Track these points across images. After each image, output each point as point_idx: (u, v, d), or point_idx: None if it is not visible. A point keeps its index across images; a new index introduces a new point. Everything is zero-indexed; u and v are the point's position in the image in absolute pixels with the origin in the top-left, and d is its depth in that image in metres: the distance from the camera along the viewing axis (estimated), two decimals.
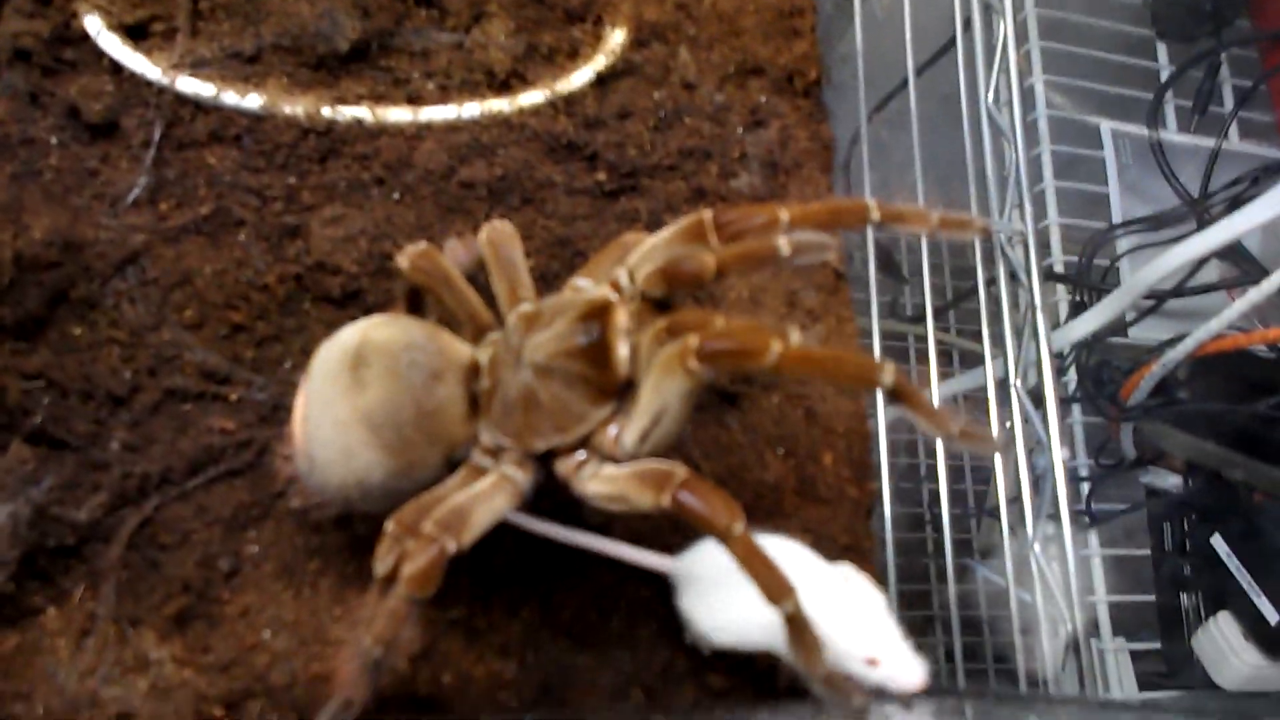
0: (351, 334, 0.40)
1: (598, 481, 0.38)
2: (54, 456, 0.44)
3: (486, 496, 0.38)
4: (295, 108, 0.50)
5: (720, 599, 0.42)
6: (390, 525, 0.37)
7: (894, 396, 0.35)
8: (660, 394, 0.37)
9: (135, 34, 0.51)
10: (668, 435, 0.38)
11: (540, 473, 0.40)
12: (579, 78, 0.54)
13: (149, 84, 0.50)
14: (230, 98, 0.50)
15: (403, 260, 0.43)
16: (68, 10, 0.50)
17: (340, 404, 0.38)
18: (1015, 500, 0.60)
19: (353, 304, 0.49)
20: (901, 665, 0.40)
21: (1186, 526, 0.75)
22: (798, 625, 0.35)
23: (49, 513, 0.42)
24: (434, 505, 0.37)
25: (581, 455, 0.39)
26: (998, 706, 0.46)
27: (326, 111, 0.50)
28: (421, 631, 0.44)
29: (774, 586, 0.34)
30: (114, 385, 0.46)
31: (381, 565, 0.36)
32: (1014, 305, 0.64)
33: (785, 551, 0.42)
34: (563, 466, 0.39)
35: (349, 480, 0.39)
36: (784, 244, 0.37)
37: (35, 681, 0.41)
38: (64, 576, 0.43)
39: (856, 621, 0.40)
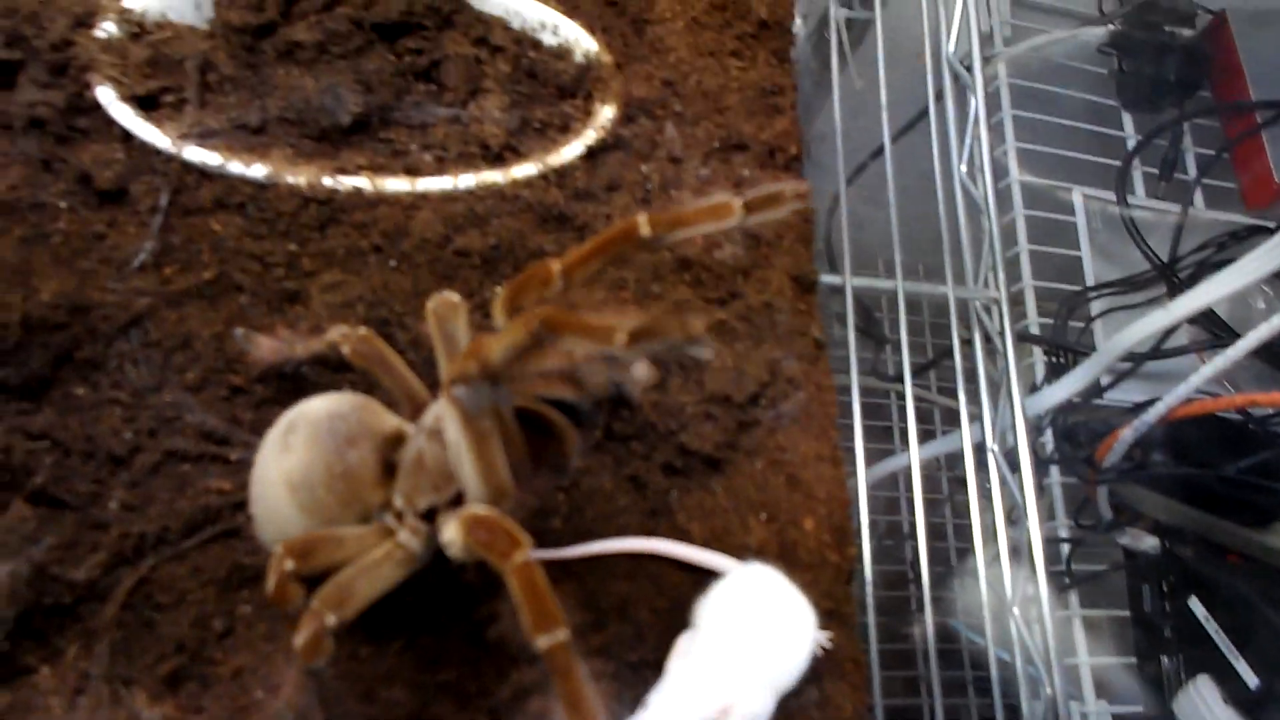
0: (297, 406, 0.44)
1: (445, 531, 0.40)
2: (54, 516, 0.45)
3: (374, 568, 0.40)
4: (298, 177, 0.52)
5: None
6: (313, 601, 0.39)
7: (549, 332, 0.34)
8: (449, 430, 0.39)
9: (146, 104, 0.53)
10: (475, 471, 0.39)
11: (432, 536, 0.41)
12: (570, 151, 0.56)
13: (158, 152, 0.52)
14: (236, 167, 0.52)
15: (343, 345, 0.46)
16: (81, 81, 0.52)
17: (270, 465, 0.42)
18: (995, 561, 0.61)
19: (349, 369, 0.50)
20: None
21: (1165, 588, 0.76)
22: (558, 663, 0.34)
23: (48, 572, 0.42)
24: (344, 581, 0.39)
25: (455, 511, 0.41)
26: None
27: (328, 181, 0.52)
28: (410, 695, 0.45)
29: (541, 619, 0.34)
30: (115, 445, 0.47)
31: (298, 638, 0.38)
32: (991, 368, 0.67)
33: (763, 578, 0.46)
34: (439, 523, 0.41)
35: (277, 537, 0.41)
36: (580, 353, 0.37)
37: None
38: (58, 635, 0.43)
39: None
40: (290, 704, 0.38)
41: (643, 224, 0.37)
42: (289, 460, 0.41)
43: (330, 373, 0.51)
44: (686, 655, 0.45)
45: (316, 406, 0.43)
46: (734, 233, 0.57)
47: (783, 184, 0.37)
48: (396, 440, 0.43)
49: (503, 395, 0.38)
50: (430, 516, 0.42)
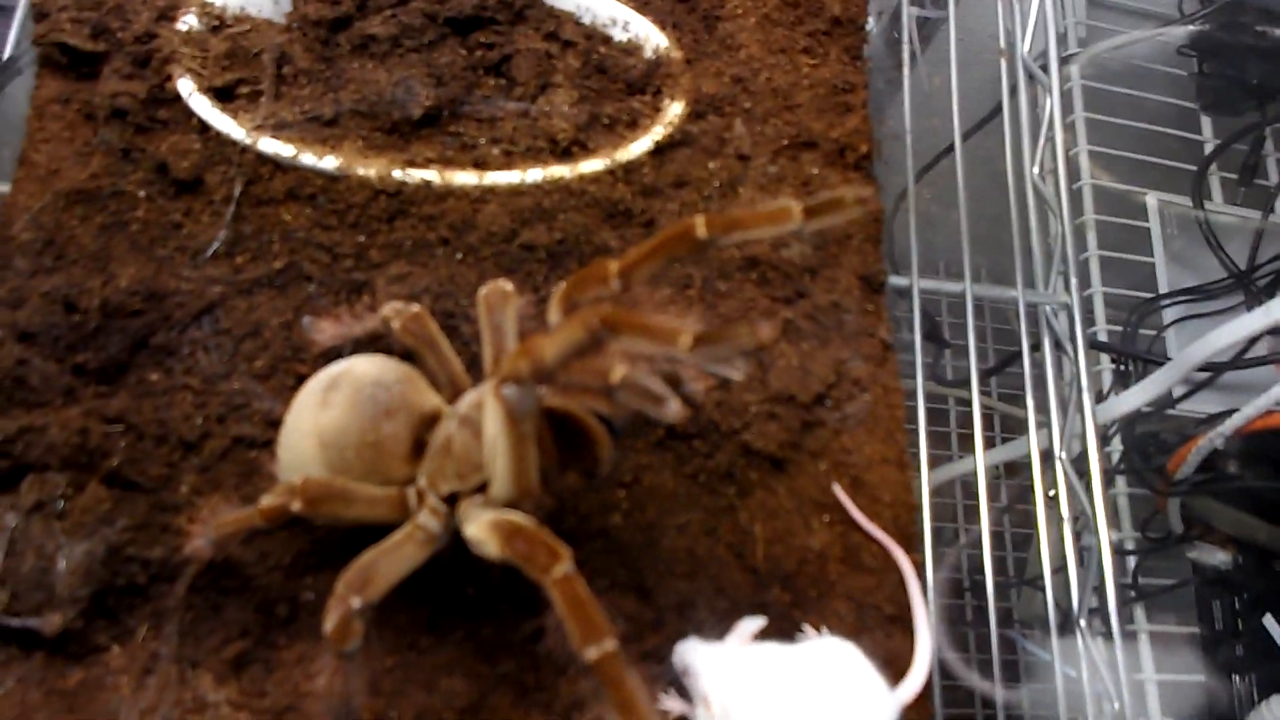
0: (343, 362, 0.44)
1: (470, 525, 0.40)
2: (128, 498, 0.45)
3: (395, 549, 0.41)
4: (368, 170, 0.52)
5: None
6: (337, 585, 0.39)
7: (610, 331, 0.33)
8: (489, 426, 0.39)
9: (223, 96, 0.53)
10: (509, 471, 0.39)
11: (453, 520, 0.42)
12: (638, 147, 0.56)
13: (233, 143, 0.52)
14: (308, 158, 0.52)
15: (394, 320, 0.46)
16: (163, 73, 0.53)
17: (306, 417, 0.43)
18: (1059, 571, 0.60)
19: (411, 360, 0.51)
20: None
21: (1237, 606, 0.74)
22: (608, 673, 0.34)
23: (122, 552, 0.43)
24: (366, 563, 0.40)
25: (478, 500, 0.41)
26: None
27: (397, 174, 0.53)
28: (469, 685, 0.45)
29: (588, 631, 0.34)
30: (186, 431, 0.48)
31: (327, 623, 0.38)
32: (1058, 374, 0.65)
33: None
34: (459, 510, 0.42)
35: None
36: (617, 373, 0.36)
37: (97, 717, 0.42)
38: (129, 616, 0.44)
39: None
40: (329, 690, 0.39)
41: (700, 226, 0.36)
42: (325, 416, 0.42)
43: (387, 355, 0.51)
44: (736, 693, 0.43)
45: (363, 369, 0.44)
46: (802, 231, 0.56)
47: (844, 190, 0.37)
48: (432, 420, 0.44)
49: (540, 395, 0.38)
50: (451, 500, 0.42)
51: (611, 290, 0.37)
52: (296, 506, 0.39)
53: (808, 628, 0.48)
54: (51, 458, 0.44)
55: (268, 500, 0.40)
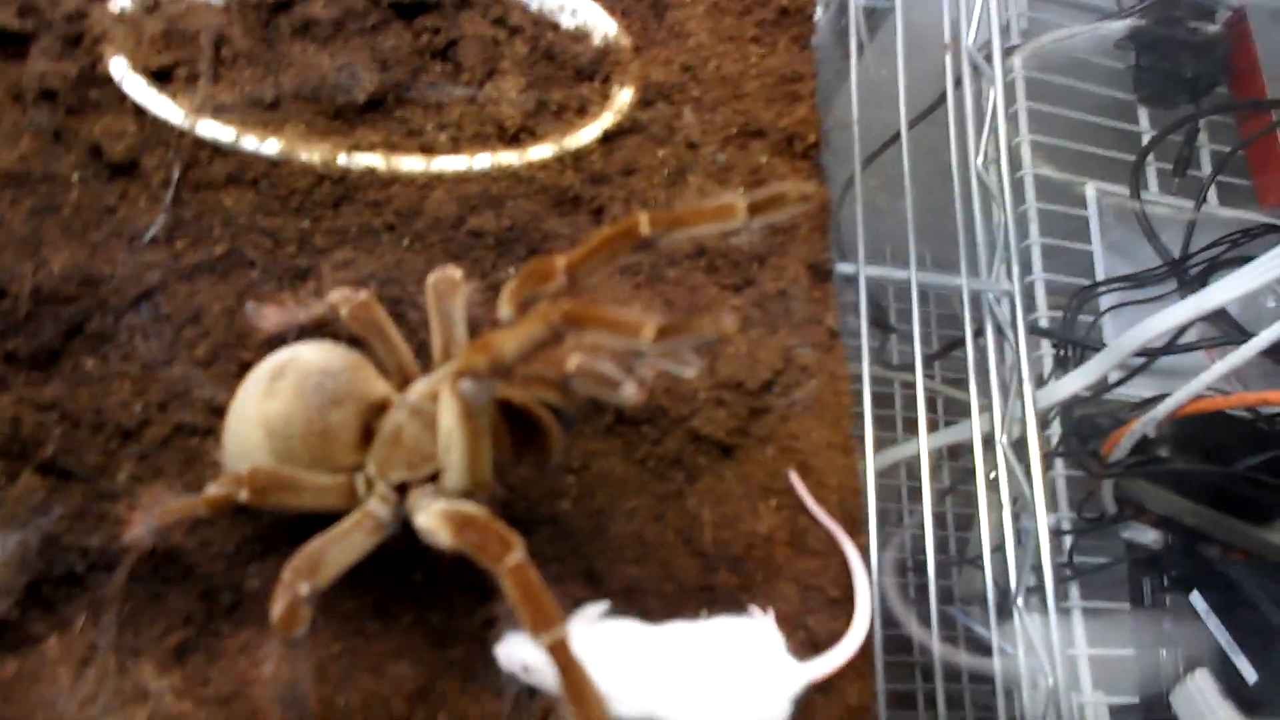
0: (288, 350, 0.44)
1: (422, 515, 0.40)
2: (63, 486, 0.45)
3: (344, 536, 0.41)
4: (311, 154, 0.52)
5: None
6: (284, 572, 0.39)
7: (569, 324, 0.33)
8: (444, 418, 0.40)
9: (159, 78, 0.52)
10: (462, 463, 0.40)
11: (402, 508, 0.42)
12: (587, 134, 0.56)
13: (170, 126, 0.51)
14: (249, 142, 0.51)
15: (342, 307, 0.46)
16: (95, 53, 0.52)
17: (251, 405, 0.42)
18: (998, 551, 0.61)
19: (359, 346, 0.50)
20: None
21: (1166, 582, 0.76)
22: (563, 661, 0.35)
23: (58, 542, 0.42)
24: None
25: (428, 490, 0.41)
26: None
27: (342, 159, 0.52)
28: (417, 671, 0.45)
29: (539, 618, 0.35)
30: (124, 418, 0.47)
31: (274, 609, 0.38)
32: (1000, 360, 0.66)
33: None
34: (409, 499, 0.42)
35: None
36: (572, 361, 0.37)
37: (35, 708, 0.41)
38: (66, 605, 0.44)
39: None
40: (276, 676, 0.39)
41: (644, 223, 0.37)
42: (271, 405, 0.42)
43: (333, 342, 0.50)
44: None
45: (310, 357, 0.43)
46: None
47: (787, 185, 0.37)
48: (381, 407, 0.43)
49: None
50: (401, 489, 0.42)
51: (558, 285, 0.38)
52: (244, 496, 0.39)
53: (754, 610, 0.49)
54: None
55: (214, 490, 0.40)
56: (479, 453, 0.39)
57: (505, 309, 0.39)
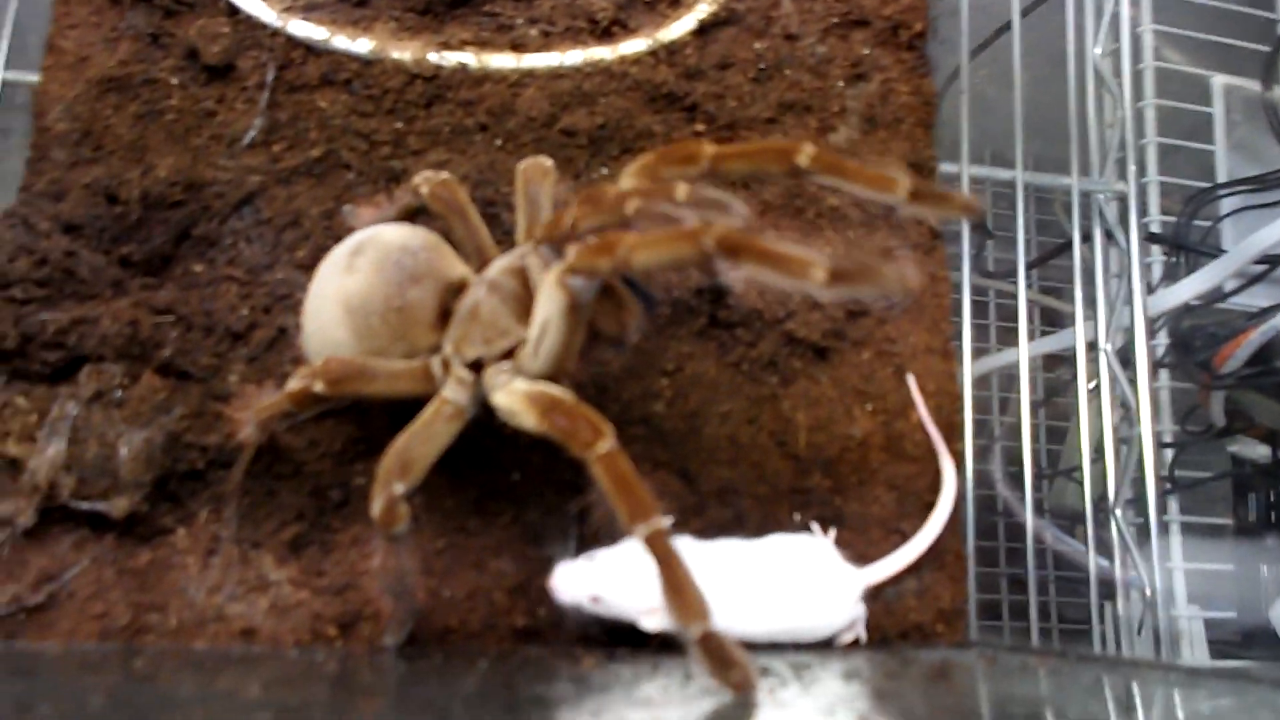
0: (369, 230, 0.44)
1: (502, 394, 0.40)
2: (181, 387, 0.46)
3: (426, 428, 0.40)
4: (403, 53, 0.51)
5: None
6: (378, 473, 0.39)
7: (725, 253, 0.31)
8: (544, 308, 0.39)
9: None
10: (553, 351, 0.39)
11: (480, 388, 0.41)
12: (680, 26, 0.54)
13: (263, 26, 0.51)
14: (340, 41, 0.51)
15: (423, 186, 0.45)
16: None
17: (331, 282, 0.42)
18: (1096, 461, 0.60)
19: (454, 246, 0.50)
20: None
21: (1272, 497, 0.74)
22: (661, 553, 0.33)
23: (181, 439, 0.44)
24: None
25: (505, 366, 0.41)
26: (1077, 666, 0.46)
27: (433, 57, 0.51)
28: (516, 566, 0.47)
29: (635, 508, 0.34)
30: (232, 321, 0.48)
31: (374, 510, 0.39)
32: (1105, 266, 0.63)
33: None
34: (485, 377, 0.41)
35: (323, 351, 0.42)
36: (681, 190, 0.36)
37: (168, 595, 0.44)
38: (191, 500, 0.46)
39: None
40: (384, 569, 0.40)
41: (804, 153, 0.35)
42: (351, 281, 0.42)
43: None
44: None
45: (389, 235, 0.43)
46: (849, 115, 0.54)
47: (958, 194, 0.37)
48: (459, 288, 0.43)
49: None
50: (476, 367, 0.41)
51: (699, 171, 0.37)
52: (319, 387, 0.39)
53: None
54: (106, 349, 0.45)
55: (293, 384, 0.40)
56: (572, 344, 0.39)
57: (630, 180, 0.38)
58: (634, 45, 0.53)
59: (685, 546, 0.44)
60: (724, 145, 0.36)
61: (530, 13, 0.53)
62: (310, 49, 0.51)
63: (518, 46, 0.52)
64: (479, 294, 0.42)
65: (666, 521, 0.34)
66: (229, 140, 0.50)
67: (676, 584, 0.33)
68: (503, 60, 0.52)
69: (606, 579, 0.42)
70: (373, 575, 0.41)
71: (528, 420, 0.38)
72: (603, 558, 0.42)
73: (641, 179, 0.37)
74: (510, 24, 0.53)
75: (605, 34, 0.53)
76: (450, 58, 0.51)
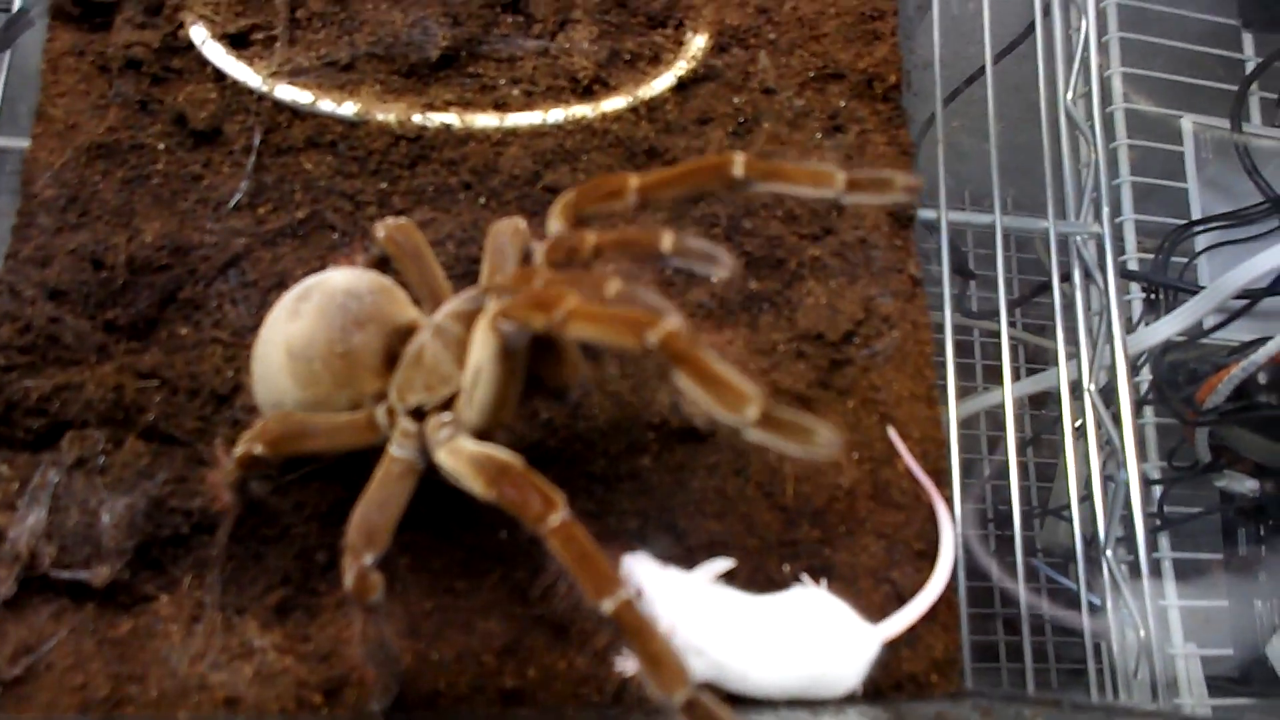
0: (319, 275, 0.43)
1: (446, 452, 0.38)
2: (165, 451, 0.46)
3: (381, 491, 0.39)
4: (387, 114, 0.52)
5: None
6: (344, 545, 0.38)
7: (665, 356, 0.30)
8: (476, 352, 0.38)
9: (237, 43, 0.53)
10: (488, 399, 0.38)
11: (424, 440, 0.40)
12: (661, 83, 0.55)
13: (250, 91, 0.52)
14: (326, 105, 0.52)
15: (380, 230, 0.45)
16: (175, 20, 0.52)
17: (276, 328, 0.42)
18: (1084, 500, 0.60)
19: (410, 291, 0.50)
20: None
21: (1262, 532, 0.74)
22: (631, 626, 0.32)
23: (165, 505, 0.44)
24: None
25: (446, 418, 0.39)
26: (1074, 717, 0.46)
27: (417, 118, 0.52)
28: (506, 627, 0.46)
29: (598, 583, 0.32)
30: (218, 384, 0.48)
31: (345, 582, 0.38)
32: (1087, 305, 0.64)
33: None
34: (427, 428, 0.40)
35: (269, 401, 0.41)
36: (667, 239, 0.36)
37: (149, 665, 0.43)
38: (174, 566, 0.45)
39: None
40: (363, 638, 0.39)
41: (738, 164, 0.35)
42: (294, 327, 0.41)
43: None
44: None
45: (335, 279, 0.42)
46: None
47: (895, 173, 0.36)
48: (408, 332, 0.42)
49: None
50: (420, 415, 0.40)
51: (627, 205, 0.36)
52: (259, 450, 0.39)
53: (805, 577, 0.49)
54: (89, 414, 0.45)
55: (238, 448, 0.40)
56: (507, 393, 0.38)
57: (557, 222, 0.38)
58: (615, 102, 0.54)
59: (715, 594, 0.45)
60: (650, 174, 0.36)
61: (513, 73, 0.54)
62: (296, 112, 0.52)
63: (500, 106, 0.53)
64: (424, 338, 0.41)
65: (632, 592, 0.33)
66: (215, 204, 0.51)
67: (653, 655, 0.32)
68: (486, 120, 0.52)
69: (659, 587, 0.43)
70: (353, 645, 0.40)
71: (474, 486, 0.37)
72: (671, 573, 0.44)
73: (566, 219, 0.37)
74: (493, 84, 0.53)
75: (586, 92, 0.54)
76: (434, 118, 0.52)
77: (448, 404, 0.40)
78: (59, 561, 0.42)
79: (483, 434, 0.39)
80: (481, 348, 0.37)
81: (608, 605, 0.32)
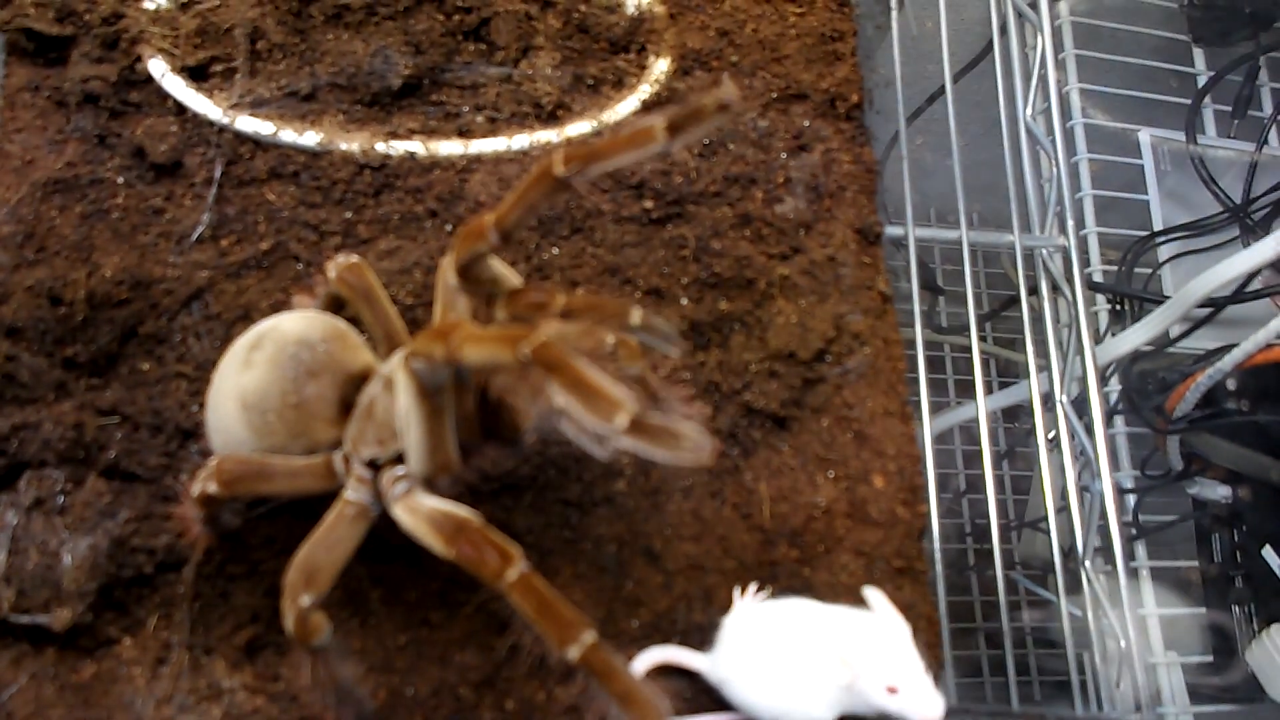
0: (271, 319, 0.42)
1: (402, 509, 0.38)
2: (128, 489, 0.45)
3: (330, 533, 0.39)
4: (350, 144, 0.51)
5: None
6: (284, 587, 0.38)
7: (540, 366, 0.31)
8: (400, 396, 0.37)
9: (196, 75, 0.52)
10: (421, 443, 0.38)
11: (379, 488, 0.40)
12: (624, 107, 0.55)
13: (210, 123, 0.51)
14: (288, 135, 0.51)
15: (331, 270, 0.44)
16: (133, 54, 0.52)
17: (228, 378, 0.41)
18: (1061, 512, 0.60)
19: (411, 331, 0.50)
20: (920, 696, 0.40)
21: (1236, 538, 0.74)
22: (597, 668, 0.33)
23: (127, 544, 0.43)
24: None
25: (400, 471, 0.39)
26: None
27: (380, 147, 0.51)
28: (483, 659, 0.45)
29: (562, 631, 0.33)
30: (182, 419, 0.47)
31: (286, 624, 0.37)
32: (1055, 318, 0.65)
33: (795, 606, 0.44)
34: (383, 481, 0.40)
35: (226, 448, 0.41)
36: (636, 314, 0.38)
37: (113, 710, 0.42)
38: (138, 606, 0.44)
39: (877, 650, 0.41)
40: (316, 681, 0.38)
41: (556, 163, 0.35)
42: (246, 377, 0.40)
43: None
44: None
45: (287, 327, 0.41)
46: (794, 186, 0.55)
47: (704, 96, 0.34)
48: (362, 379, 0.41)
49: (465, 371, 0.36)
50: (375, 465, 0.40)
51: (490, 244, 0.37)
52: (212, 489, 0.38)
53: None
54: (48, 454, 0.44)
55: (194, 488, 0.39)
56: (437, 434, 0.37)
57: (449, 275, 0.39)
58: (579, 127, 0.54)
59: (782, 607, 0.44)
60: (498, 206, 0.37)
61: (476, 100, 0.54)
62: (258, 144, 0.51)
63: (465, 133, 0.53)
64: (375, 390, 0.40)
65: (594, 635, 0.33)
66: (177, 237, 0.50)
67: (625, 694, 0.33)
68: (450, 147, 0.52)
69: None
70: (308, 690, 0.39)
71: (433, 545, 0.37)
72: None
73: (458, 275, 0.38)
74: (457, 111, 0.53)
75: (550, 117, 0.54)
76: (398, 147, 0.52)
77: (400, 458, 0.40)
78: (18, 606, 0.41)
79: (433, 483, 0.39)
80: (404, 392, 0.37)
81: (573, 652, 0.33)
